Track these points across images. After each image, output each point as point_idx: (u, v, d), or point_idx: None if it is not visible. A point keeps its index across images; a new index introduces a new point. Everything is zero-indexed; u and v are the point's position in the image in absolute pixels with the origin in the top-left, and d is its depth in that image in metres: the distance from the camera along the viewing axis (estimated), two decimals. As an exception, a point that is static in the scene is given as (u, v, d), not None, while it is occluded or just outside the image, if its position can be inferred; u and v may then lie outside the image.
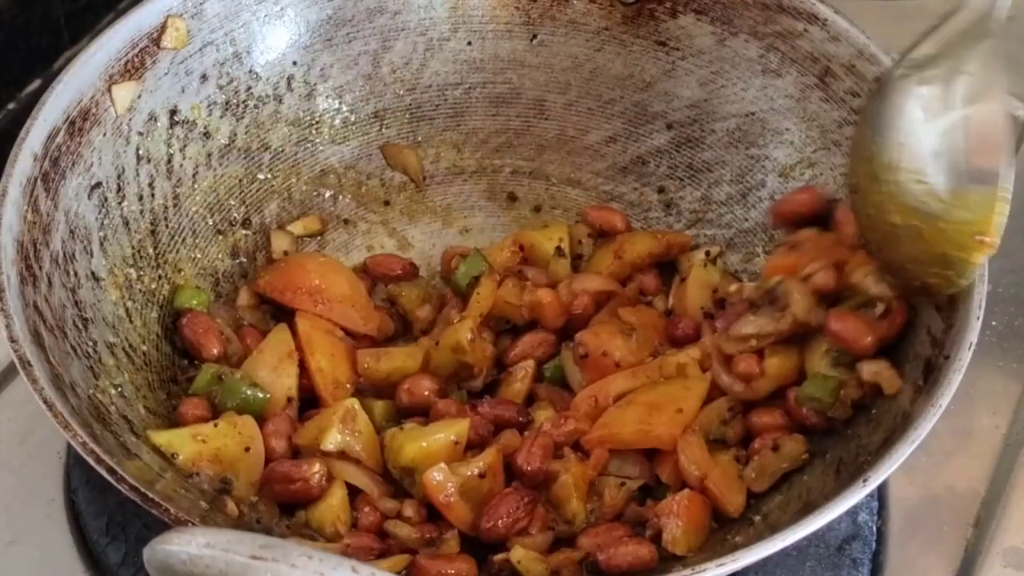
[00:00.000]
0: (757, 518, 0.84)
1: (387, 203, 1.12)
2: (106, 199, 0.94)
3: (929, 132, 0.81)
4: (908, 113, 0.82)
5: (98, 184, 0.93)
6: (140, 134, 0.97)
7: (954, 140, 0.80)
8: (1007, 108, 0.81)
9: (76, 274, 0.88)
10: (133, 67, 0.96)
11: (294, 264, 1.02)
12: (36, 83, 1.24)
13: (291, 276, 1.00)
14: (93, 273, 0.91)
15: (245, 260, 1.05)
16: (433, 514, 0.86)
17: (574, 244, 1.07)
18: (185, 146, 1.01)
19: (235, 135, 1.05)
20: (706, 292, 1.00)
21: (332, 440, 0.86)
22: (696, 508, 0.84)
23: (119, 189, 0.95)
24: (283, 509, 0.87)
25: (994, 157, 0.78)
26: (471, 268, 1.01)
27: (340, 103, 1.09)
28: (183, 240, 1.01)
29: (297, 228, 1.08)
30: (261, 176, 1.06)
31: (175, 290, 0.98)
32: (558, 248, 1.05)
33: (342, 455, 0.87)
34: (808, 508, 0.74)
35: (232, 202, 1.05)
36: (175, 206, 1.00)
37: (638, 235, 1.06)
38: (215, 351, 0.95)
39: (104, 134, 0.94)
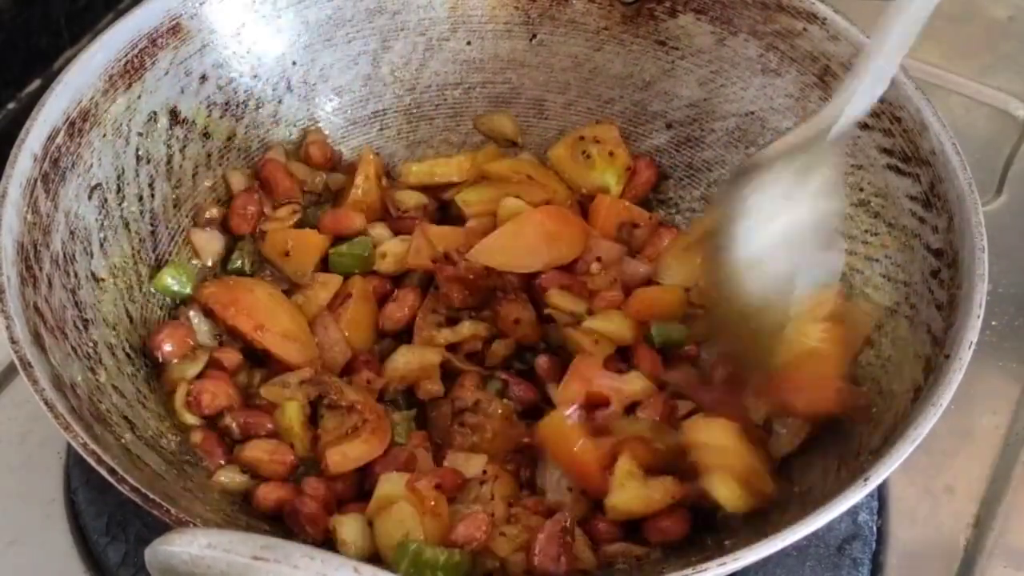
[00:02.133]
0: (757, 517, 0.84)
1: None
2: (106, 200, 0.94)
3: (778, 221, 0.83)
4: (761, 203, 0.83)
5: (98, 185, 0.93)
6: (140, 135, 0.97)
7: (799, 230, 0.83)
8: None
9: (76, 275, 0.88)
10: (133, 68, 0.96)
11: (242, 285, 0.97)
12: (36, 83, 1.24)
13: (236, 295, 0.96)
14: (93, 274, 0.91)
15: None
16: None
17: None
18: (185, 146, 1.01)
19: (235, 135, 1.05)
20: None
21: None
22: None
23: (119, 190, 0.95)
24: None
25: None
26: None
27: (340, 103, 1.09)
28: (184, 241, 1.00)
29: None
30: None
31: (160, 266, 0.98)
32: None
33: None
34: (808, 508, 0.74)
35: (232, 202, 1.05)
36: (175, 207, 1.00)
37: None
38: (167, 349, 0.92)
39: (104, 135, 0.94)
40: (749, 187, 0.82)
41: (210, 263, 1.00)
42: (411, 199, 1.05)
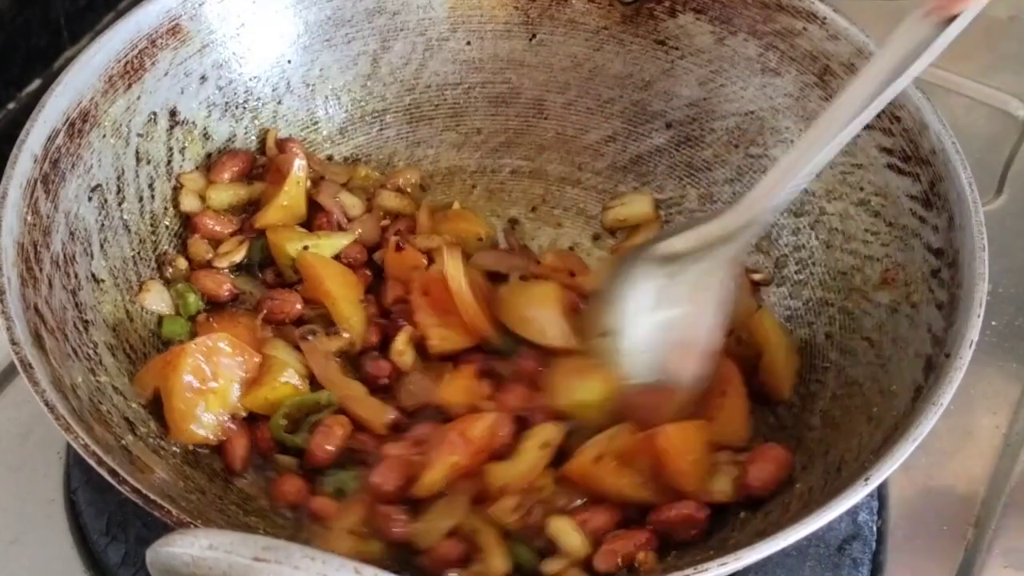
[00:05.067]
0: (757, 517, 0.84)
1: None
2: (106, 201, 0.94)
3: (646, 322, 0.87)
4: (639, 296, 0.88)
5: (98, 186, 0.93)
6: (140, 135, 0.97)
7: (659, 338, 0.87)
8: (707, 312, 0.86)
9: (76, 276, 0.88)
10: (132, 68, 0.96)
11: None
12: (36, 83, 1.24)
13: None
14: (93, 275, 0.91)
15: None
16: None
17: None
18: (185, 147, 1.01)
19: (234, 136, 1.05)
20: None
21: None
22: None
23: (119, 191, 0.95)
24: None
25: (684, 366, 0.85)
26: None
27: (339, 104, 1.09)
28: (184, 242, 1.00)
29: None
30: (261, 177, 1.07)
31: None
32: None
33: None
34: (808, 508, 0.74)
35: (232, 203, 1.05)
36: (175, 207, 1.00)
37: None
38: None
39: (104, 136, 0.94)
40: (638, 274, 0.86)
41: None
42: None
